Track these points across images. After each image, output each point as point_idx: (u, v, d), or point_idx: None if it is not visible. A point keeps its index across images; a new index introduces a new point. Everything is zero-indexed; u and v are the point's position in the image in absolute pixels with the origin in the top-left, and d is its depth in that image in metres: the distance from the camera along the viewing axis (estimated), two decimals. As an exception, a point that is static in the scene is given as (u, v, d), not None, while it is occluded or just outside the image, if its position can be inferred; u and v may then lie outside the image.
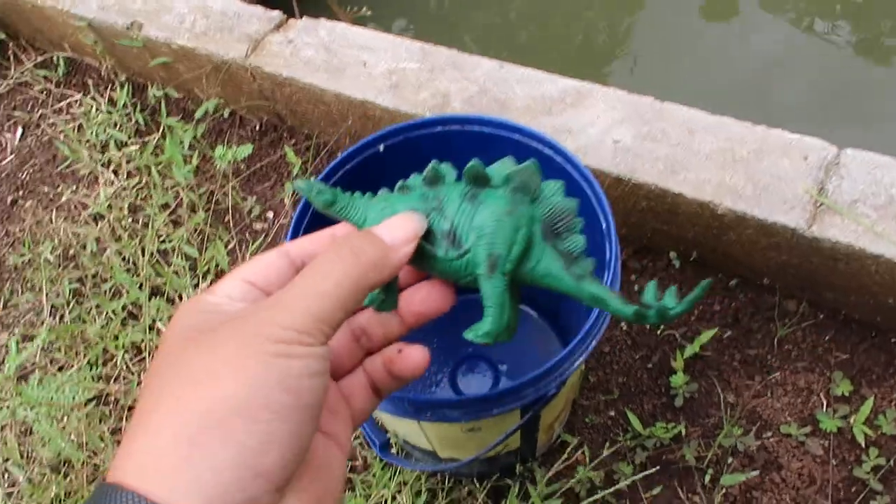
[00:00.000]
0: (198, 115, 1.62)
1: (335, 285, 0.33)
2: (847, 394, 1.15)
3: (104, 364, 1.41)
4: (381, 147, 0.93)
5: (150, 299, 1.46)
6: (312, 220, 0.86)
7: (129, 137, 1.71)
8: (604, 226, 0.78)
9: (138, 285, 1.47)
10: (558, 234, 0.41)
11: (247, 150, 1.54)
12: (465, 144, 0.90)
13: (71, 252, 1.58)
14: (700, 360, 1.23)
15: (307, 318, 0.31)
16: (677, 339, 1.24)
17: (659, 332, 1.26)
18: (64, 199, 1.67)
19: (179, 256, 1.50)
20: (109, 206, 1.58)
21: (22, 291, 1.58)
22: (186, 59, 1.59)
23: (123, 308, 1.44)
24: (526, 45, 2.24)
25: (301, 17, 1.52)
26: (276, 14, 1.53)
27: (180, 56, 1.60)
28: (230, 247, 1.48)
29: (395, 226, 0.38)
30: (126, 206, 1.60)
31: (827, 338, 1.21)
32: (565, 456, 1.13)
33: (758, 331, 1.24)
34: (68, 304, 1.50)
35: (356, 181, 0.87)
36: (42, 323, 1.50)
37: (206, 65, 1.55)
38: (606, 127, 1.12)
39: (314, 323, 0.31)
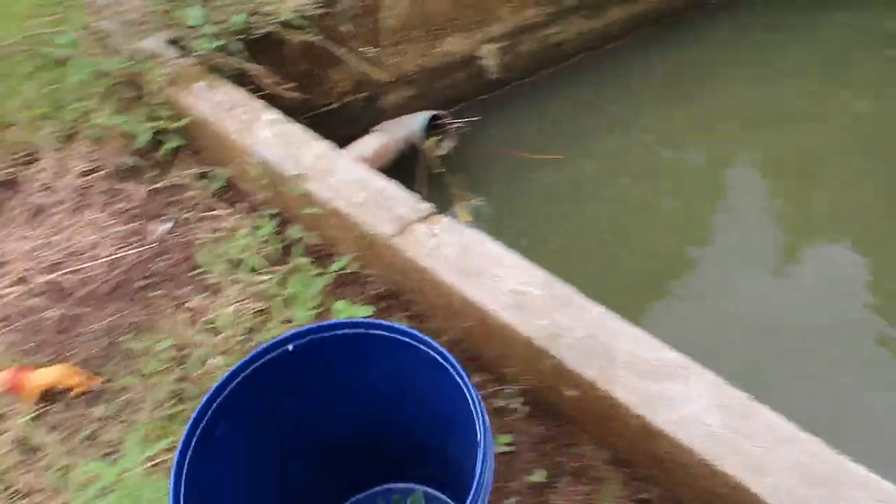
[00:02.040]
0: (334, 267, 1.83)
1: None
2: None
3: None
4: (291, 347, 1.11)
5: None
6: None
7: (262, 264, 1.93)
8: (479, 434, 0.95)
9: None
10: None
11: (367, 311, 1.73)
12: (372, 347, 1.10)
13: (184, 353, 1.74)
14: None
15: None
16: None
17: None
18: (191, 303, 1.86)
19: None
20: (231, 323, 1.76)
21: (129, 374, 1.73)
22: (336, 218, 1.83)
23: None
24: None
25: (438, 210, 1.76)
26: (426, 207, 1.77)
27: (332, 214, 1.84)
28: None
29: None
30: (244, 327, 1.77)
31: None
32: None
33: None
34: (169, 398, 1.64)
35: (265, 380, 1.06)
36: (138, 411, 1.63)
37: (353, 229, 1.78)
38: (700, 408, 1.27)
39: None
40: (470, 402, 0.99)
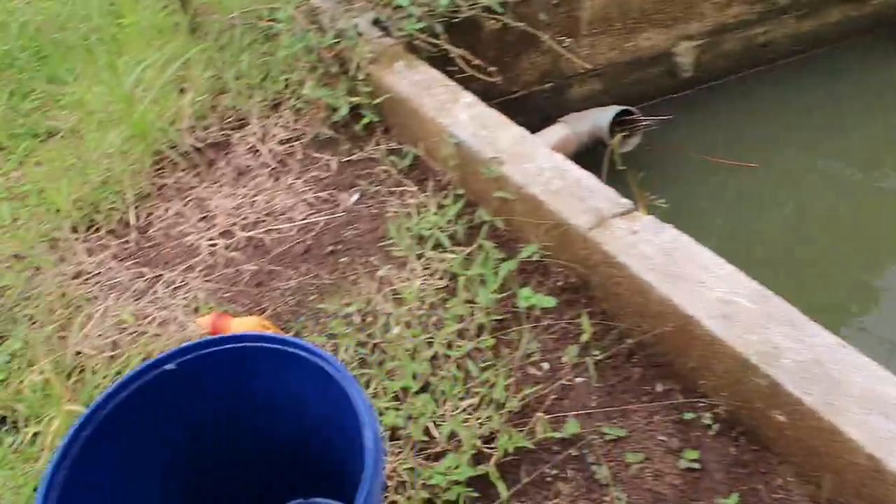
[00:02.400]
0: (523, 254, 1.80)
1: None
2: None
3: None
4: (173, 365, 1.04)
5: (417, 394, 1.60)
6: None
7: (447, 243, 1.94)
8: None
9: (412, 375, 1.63)
10: None
11: (550, 302, 1.68)
12: (262, 361, 1.06)
13: (368, 319, 1.79)
14: None
15: None
16: None
17: None
18: (378, 272, 1.91)
19: (456, 366, 1.64)
20: (418, 299, 1.78)
21: (315, 333, 1.80)
22: (526, 205, 1.80)
23: (405, 389, 1.60)
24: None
25: (636, 207, 1.67)
26: (626, 202, 1.69)
27: (523, 200, 1.80)
28: (509, 382, 1.59)
29: None
30: (427, 301, 1.79)
31: None
32: None
33: None
34: (351, 361, 1.69)
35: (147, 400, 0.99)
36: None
37: (545, 217, 1.74)
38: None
39: None
40: (358, 414, 0.96)
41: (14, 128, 2.78)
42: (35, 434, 1.64)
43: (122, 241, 2.25)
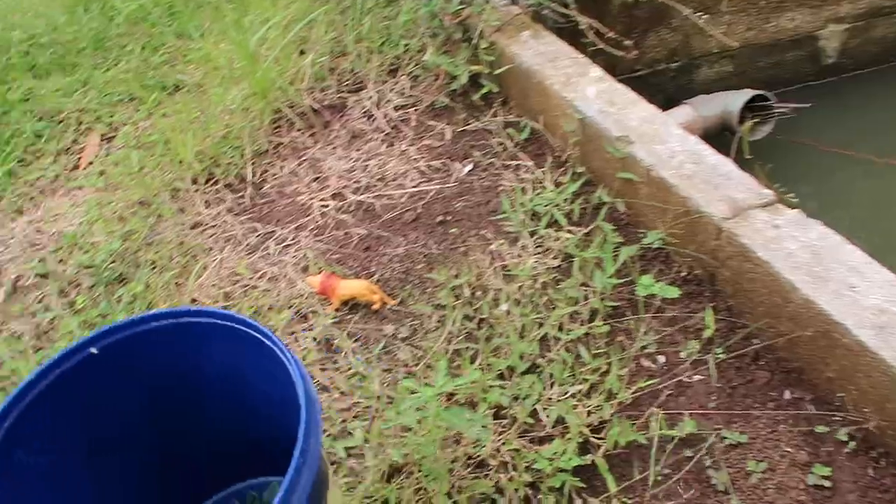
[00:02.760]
0: (647, 240, 1.71)
1: None
2: None
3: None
4: (94, 350, 0.94)
5: (523, 374, 1.55)
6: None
7: (563, 222, 1.86)
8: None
9: (519, 355, 1.58)
10: None
11: (673, 292, 1.59)
12: (203, 340, 0.99)
13: (477, 293, 1.75)
14: None
15: None
16: None
17: None
18: (489, 247, 1.86)
19: (566, 350, 1.57)
20: (530, 277, 1.72)
21: (421, 302, 1.78)
22: (653, 188, 1.69)
23: (511, 368, 1.55)
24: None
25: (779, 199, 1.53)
26: (767, 193, 1.56)
27: (650, 182, 1.70)
28: (622, 372, 1.51)
29: None
30: (540, 280, 1.73)
31: None
32: None
33: None
34: (458, 334, 1.66)
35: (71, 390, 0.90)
36: (427, 338, 1.67)
37: (674, 204, 1.63)
38: None
39: None
40: (300, 393, 0.90)
41: (145, 79, 2.90)
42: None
43: (237, 195, 2.31)
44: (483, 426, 1.31)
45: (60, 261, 2.20)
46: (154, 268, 2.07)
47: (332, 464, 1.45)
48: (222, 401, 1.15)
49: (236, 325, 0.99)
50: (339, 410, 1.56)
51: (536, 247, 1.83)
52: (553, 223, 1.87)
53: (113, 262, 2.11)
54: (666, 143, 1.72)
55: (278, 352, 0.94)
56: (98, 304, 1.99)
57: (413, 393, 1.37)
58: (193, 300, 1.92)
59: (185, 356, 1.07)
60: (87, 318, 1.95)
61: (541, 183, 2.00)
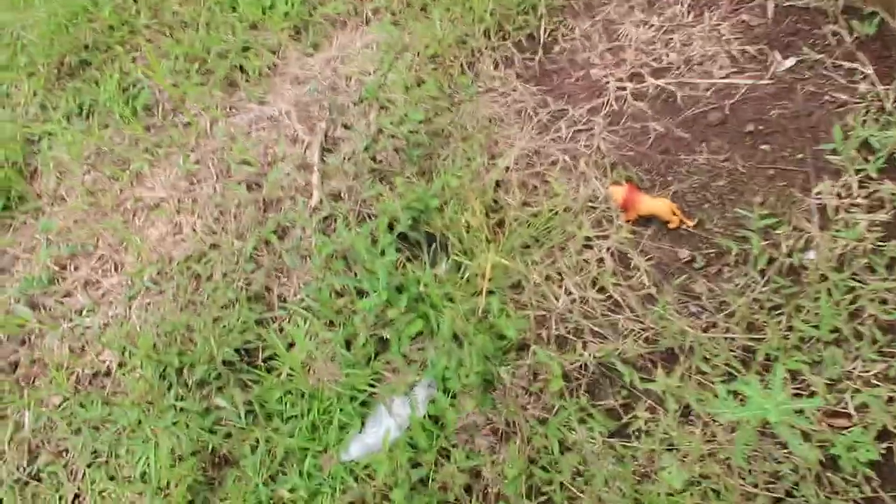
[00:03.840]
0: None
1: None
2: None
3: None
4: None
5: (827, 344, 1.57)
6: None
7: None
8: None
9: (828, 327, 1.58)
10: None
11: None
12: None
13: (784, 232, 1.70)
14: None
15: None
16: None
17: None
18: (813, 186, 1.74)
19: (878, 328, 1.55)
20: (850, 229, 1.63)
21: (720, 229, 1.77)
22: None
23: (815, 338, 1.57)
24: None
25: None
26: None
27: None
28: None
29: None
30: (860, 239, 1.63)
31: None
32: None
33: None
34: (759, 281, 1.67)
35: None
36: (734, 287, 1.70)
37: None
38: None
39: None
40: None
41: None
42: (460, 266, 1.86)
43: (526, 57, 2.26)
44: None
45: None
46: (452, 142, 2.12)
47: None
48: None
49: None
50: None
51: (861, 189, 1.69)
52: (891, 164, 1.69)
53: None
54: None
55: None
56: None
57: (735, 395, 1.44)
58: (498, 184, 1.98)
59: None
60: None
61: (881, 106, 1.76)
